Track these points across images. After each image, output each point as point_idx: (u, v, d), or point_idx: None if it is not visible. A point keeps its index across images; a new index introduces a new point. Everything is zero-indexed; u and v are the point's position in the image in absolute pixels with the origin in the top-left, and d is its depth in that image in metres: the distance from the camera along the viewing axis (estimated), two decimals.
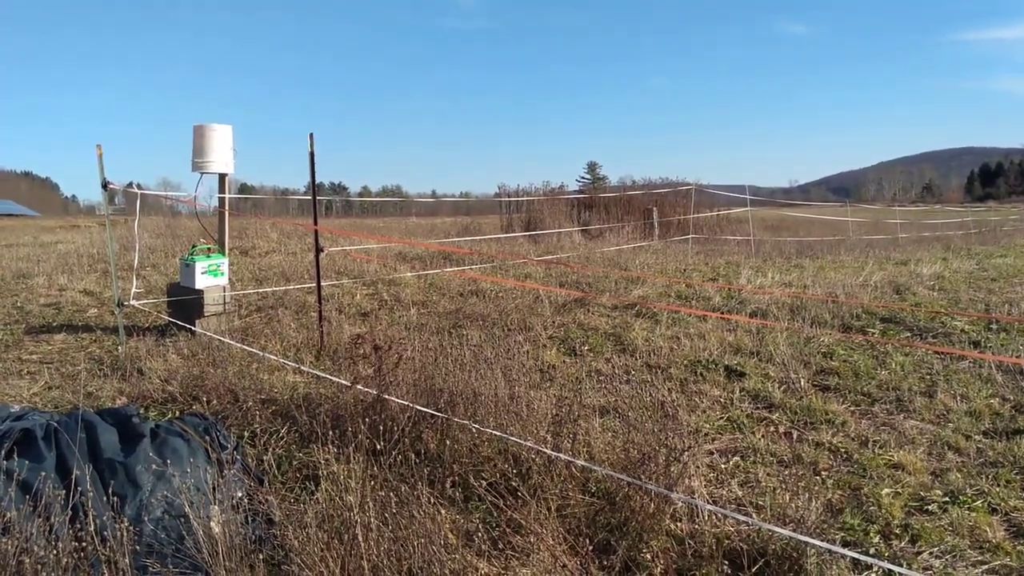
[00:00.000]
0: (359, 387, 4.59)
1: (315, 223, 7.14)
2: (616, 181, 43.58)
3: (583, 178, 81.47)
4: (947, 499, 3.95)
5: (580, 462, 3.77)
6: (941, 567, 3.32)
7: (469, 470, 3.94)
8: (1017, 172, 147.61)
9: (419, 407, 4.35)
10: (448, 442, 4.11)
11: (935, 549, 3.46)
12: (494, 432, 4.06)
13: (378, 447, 3.79)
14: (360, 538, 2.98)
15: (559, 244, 18.15)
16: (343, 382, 4.89)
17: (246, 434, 4.69)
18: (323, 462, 3.69)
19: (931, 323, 7.80)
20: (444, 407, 4.40)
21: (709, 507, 3.45)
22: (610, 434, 4.39)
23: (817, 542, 3.05)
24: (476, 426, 4.13)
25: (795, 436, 4.83)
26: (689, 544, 3.36)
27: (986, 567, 3.31)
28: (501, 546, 3.26)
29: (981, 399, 5.47)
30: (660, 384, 5.68)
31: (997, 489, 4.05)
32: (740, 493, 4.00)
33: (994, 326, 7.69)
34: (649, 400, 4.43)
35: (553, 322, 8.05)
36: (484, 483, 3.47)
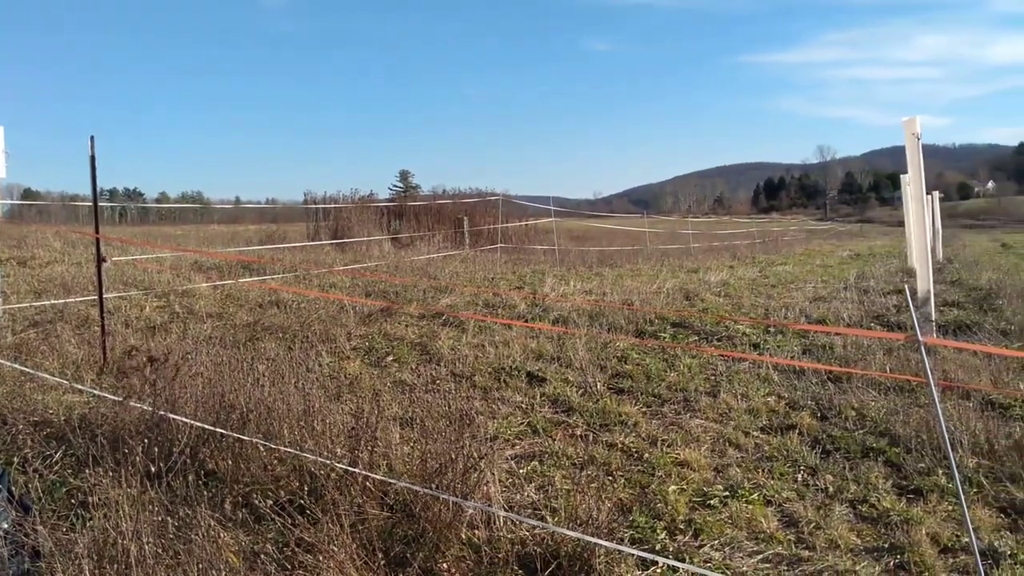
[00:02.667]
0: (132, 403, 4.27)
1: (96, 231, 6.65)
2: (428, 190, 43.69)
3: (395, 187, 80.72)
4: (727, 493, 4.17)
5: (377, 476, 3.69)
6: (720, 559, 3.50)
7: (255, 489, 3.75)
8: (797, 186, 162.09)
9: (202, 424, 4.10)
10: (231, 461, 3.90)
11: (716, 542, 3.64)
12: (286, 449, 3.90)
13: (154, 469, 3.54)
14: (134, 566, 2.77)
15: (368, 253, 17.93)
16: (115, 398, 4.54)
17: (15, 460, 4.24)
18: (94, 487, 3.41)
19: (717, 327, 8.32)
20: (236, 424, 4.18)
21: (503, 513, 3.47)
22: (408, 445, 4.33)
23: (604, 542, 3.14)
24: (264, 443, 3.95)
25: (590, 438, 4.97)
26: (485, 551, 3.36)
27: (761, 556, 3.53)
28: (290, 567, 3.13)
29: (759, 398, 5.85)
30: (464, 392, 5.71)
31: (772, 482, 4.34)
32: (536, 497, 4.05)
33: (772, 329, 8.31)
34: (448, 409, 4.41)
35: (357, 333, 7.90)
36: (271, 502, 3.31)
